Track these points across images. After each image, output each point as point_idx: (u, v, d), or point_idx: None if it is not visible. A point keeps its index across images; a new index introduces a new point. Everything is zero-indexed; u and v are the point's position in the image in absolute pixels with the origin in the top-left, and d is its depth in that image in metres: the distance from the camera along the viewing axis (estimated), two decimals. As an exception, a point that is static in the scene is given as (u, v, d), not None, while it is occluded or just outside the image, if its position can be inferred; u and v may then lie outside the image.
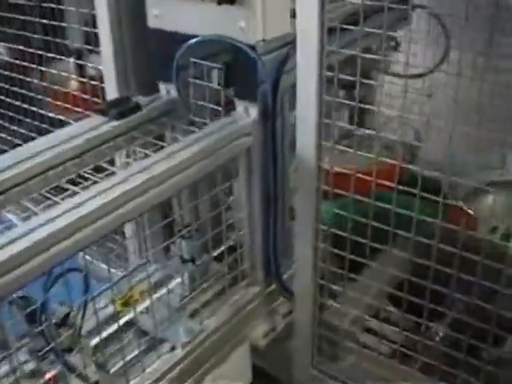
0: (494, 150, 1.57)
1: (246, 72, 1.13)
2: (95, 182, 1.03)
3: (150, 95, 1.28)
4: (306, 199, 1.15)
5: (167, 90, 1.26)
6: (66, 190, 1.04)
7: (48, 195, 1.04)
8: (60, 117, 1.54)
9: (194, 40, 1.13)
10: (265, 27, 1.09)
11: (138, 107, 1.19)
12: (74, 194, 0.99)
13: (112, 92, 1.33)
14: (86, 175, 1.07)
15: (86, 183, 1.05)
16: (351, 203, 1.13)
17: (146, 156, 1.10)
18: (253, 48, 1.10)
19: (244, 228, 1.26)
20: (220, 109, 1.19)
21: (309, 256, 1.19)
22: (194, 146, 1.07)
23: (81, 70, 1.70)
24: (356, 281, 1.25)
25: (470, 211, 1.43)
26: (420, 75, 1.51)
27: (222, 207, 1.22)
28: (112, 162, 1.17)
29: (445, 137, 1.61)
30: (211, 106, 1.20)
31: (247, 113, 1.16)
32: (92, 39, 1.38)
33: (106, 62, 1.32)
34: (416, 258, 1.10)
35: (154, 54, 1.26)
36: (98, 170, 1.11)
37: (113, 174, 1.03)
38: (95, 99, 1.42)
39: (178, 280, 1.26)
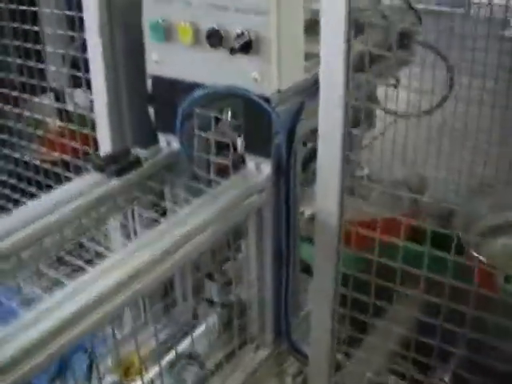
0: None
1: (259, 125, 1.05)
2: (98, 254, 0.94)
3: (146, 145, 1.18)
4: (325, 259, 1.07)
5: (167, 142, 1.17)
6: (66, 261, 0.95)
7: (46, 269, 0.95)
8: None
9: (202, 90, 1.04)
10: (280, 77, 1.01)
11: (138, 162, 1.10)
12: (78, 269, 0.90)
13: (105, 141, 1.23)
14: (86, 243, 0.98)
15: (87, 253, 0.96)
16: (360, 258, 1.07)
17: (149, 220, 1.01)
18: (267, 100, 1.01)
19: (253, 287, 1.17)
20: (227, 162, 1.11)
21: (326, 319, 1.11)
22: (204, 211, 0.96)
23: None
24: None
25: (482, 259, 1.37)
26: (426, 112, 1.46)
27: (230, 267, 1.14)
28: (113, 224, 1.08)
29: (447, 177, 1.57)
30: (218, 160, 1.12)
31: (259, 169, 1.08)
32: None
33: (99, 110, 1.22)
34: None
35: (152, 102, 1.17)
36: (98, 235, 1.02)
37: (118, 244, 0.94)
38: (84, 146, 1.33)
39: (187, 341, 1.16)
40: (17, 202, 1.56)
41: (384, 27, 1.26)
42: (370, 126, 1.37)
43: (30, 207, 1.00)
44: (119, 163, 1.08)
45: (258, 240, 1.12)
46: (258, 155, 1.07)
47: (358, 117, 1.09)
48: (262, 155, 1.07)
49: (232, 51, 0.98)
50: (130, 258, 0.87)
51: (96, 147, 1.30)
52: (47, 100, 1.64)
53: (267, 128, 1.04)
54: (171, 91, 1.12)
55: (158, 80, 1.12)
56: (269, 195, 1.08)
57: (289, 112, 1.05)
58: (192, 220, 0.95)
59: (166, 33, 1.06)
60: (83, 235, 1.00)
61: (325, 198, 1.02)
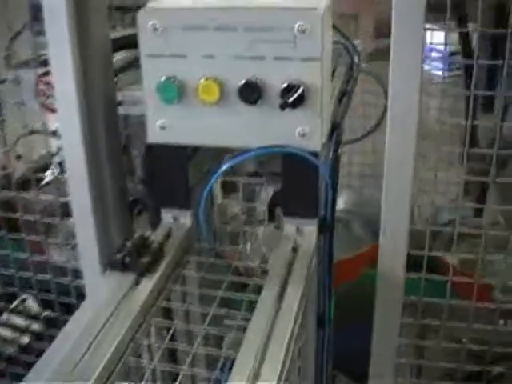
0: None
1: (303, 183, 0.93)
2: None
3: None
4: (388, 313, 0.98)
5: (174, 218, 0.99)
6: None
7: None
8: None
9: (245, 155, 0.88)
10: (324, 129, 0.90)
11: (161, 250, 0.91)
12: None
13: (87, 230, 1.01)
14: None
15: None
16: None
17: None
18: (315, 155, 0.90)
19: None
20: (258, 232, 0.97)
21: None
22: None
23: None
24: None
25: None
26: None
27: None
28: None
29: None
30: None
31: (300, 232, 0.95)
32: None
33: (77, 197, 1.00)
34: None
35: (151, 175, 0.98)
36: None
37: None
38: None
39: None
40: None
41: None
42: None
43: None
44: (144, 255, 0.89)
45: (303, 309, 1.00)
46: (301, 217, 0.95)
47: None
48: (305, 216, 0.95)
49: (283, 106, 0.85)
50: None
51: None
52: None
53: (314, 185, 0.93)
54: (181, 160, 0.95)
55: (162, 149, 0.94)
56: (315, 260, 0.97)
57: (329, 163, 0.95)
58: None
59: (180, 92, 0.89)
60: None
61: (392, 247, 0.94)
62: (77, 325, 0.78)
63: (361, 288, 1.18)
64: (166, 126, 0.92)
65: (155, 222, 1.01)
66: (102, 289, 0.85)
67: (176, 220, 0.99)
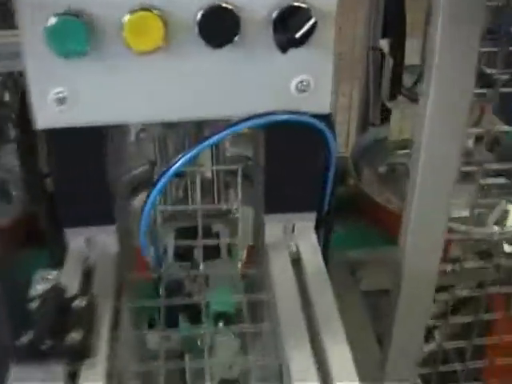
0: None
1: (302, 163, 0.60)
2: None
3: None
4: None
5: (87, 240, 0.61)
6: None
7: None
8: None
9: (217, 136, 0.53)
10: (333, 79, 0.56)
11: (89, 309, 0.54)
12: None
13: None
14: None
15: None
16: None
17: None
18: (326, 119, 0.56)
19: None
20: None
21: None
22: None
23: None
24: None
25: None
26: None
27: None
28: None
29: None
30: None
31: (289, 232, 0.63)
32: None
33: None
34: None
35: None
36: None
37: None
38: None
39: None
40: None
41: None
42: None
43: None
44: (71, 327, 0.51)
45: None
46: (292, 211, 0.62)
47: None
48: (300, 209, 0.62)
49: (288, 45, 0.50)
50: None
51: None
52: None
53: (315, 165, 0.60)
54: (95, 152, 0.57)
55: (65, 136, 0.55)
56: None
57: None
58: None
59: (91, 37, 0.50)
60: None
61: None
62: None
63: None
64: (66, 97, 0.53)
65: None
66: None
67: (90, 243, 0.61)
